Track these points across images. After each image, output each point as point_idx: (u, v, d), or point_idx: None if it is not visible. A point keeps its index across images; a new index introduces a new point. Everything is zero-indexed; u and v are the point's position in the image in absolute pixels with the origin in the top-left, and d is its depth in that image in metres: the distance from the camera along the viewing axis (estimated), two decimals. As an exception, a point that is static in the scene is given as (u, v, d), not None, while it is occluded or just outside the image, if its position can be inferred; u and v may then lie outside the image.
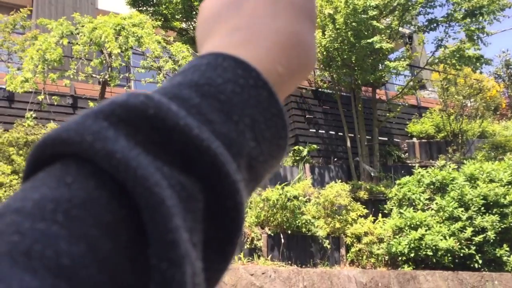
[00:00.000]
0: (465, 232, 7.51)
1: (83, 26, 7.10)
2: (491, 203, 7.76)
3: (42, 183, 0.25)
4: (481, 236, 7.49)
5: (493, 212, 7.70)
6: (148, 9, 10.10)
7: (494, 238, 7.49)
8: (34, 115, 7.35)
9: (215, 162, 0.28)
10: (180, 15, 10.06)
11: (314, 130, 11.36)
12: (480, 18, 10.11)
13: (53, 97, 7.43)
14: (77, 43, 7.12)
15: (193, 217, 0.27)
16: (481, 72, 12.50)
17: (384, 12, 10.25)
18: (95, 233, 0.23)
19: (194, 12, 10.05)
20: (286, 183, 8.57)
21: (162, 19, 10.02)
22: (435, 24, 10.64)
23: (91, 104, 8.34)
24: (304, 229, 7.91)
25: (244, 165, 0.32)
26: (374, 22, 9.34)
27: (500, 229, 7.56)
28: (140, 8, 10.03)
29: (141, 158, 0.26)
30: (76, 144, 0.26)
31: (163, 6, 9.95)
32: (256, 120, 0.33)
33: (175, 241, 0.24)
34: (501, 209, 7.73)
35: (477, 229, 7.60)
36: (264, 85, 0.33)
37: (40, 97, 7.06)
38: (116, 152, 0.25)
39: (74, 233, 0.23)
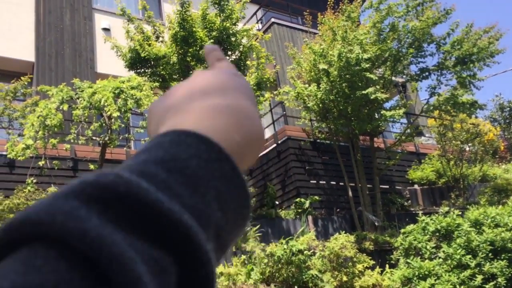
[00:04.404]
0: (475, 280, 7.35)
1: (82, 91, 7.24)
2: (499, 249, 7.63)
3: (10, 269, 0.24)
4: (492, 283, 7.32)
5: (502, 257, 7.56)
6: (146, 70, 10.33)
7: (505, 284, 7.32)
8: (34, 180, 7.36)
9: (187, 233, 0.29)
10: (177, 75, 10.28)
11: (315, 181, 11.34)
12: (471, 65, 10.35)
13: (53, 161, 7.47)
14: (77, 108, 7.24)
15: None
16: (476, 117, 12.65)
17: (376, 63, 10.50)
18: None
19: (190, 72, 10.28)
20: (290, 237, 8.46)
21: (160, 80, 10.24)
22: (427, 73, 10.86)
23: (91, 166, 8.37)
24: (310, 284, 7.73)
25: (212, 235, 0.33)
26: (368, 74, 9.55)
27: (510, 275, 7.40)
28: (138, 70, 10.27)
29: (115, 235, 0.26)
30: (46, 224, 0.25)
31: (161, 67, 10.19)
32: (221, 191, 0.34)
33: None
34: (509, 254, 7.59)
35: (487, 276, 7.44)
36: (226, 158, 0.35)
37: (41, 163, 7.09)
38: (90, 230, 0.25)
39: None
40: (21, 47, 11.78)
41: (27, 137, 6.68)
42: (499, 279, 7.31)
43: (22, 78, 8.78)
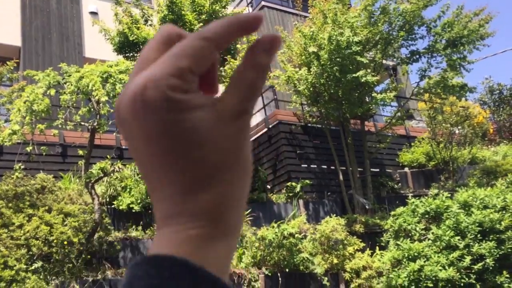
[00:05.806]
0: (463, 261, 7.43)
1: (70, 75, 7.13)
2: (487, 230, 7.71)
3: None
4: (480, 264, 7.41)
5: (490, 238, 7.64)
6: (135, 54, 10.20)
7: (493, 265, 7.41)
8: (22, 166, 7.28)
9: None
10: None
11: (306, 165, 11.36)
12: (461, 48, 10.34)
13: (41, 147, 7.39)
14: (64, 93, 7.14)
15: None
16: (466, 100, 12.70)
17: (367, 46, 10.45)
18: None
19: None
20: (281, 221, 8.49)
21: (149, 64, 10.11)
22: (417, 56, 10.84)
23: (80, 152, 8.30)
24: (302, 267, 7.79)
25: None
26: (358, 57, 9.50)
27: (498, 255, 7.48)
28: (126, 54, 10.14)
29: None
30: None
31: (150, 51, 10.06)
32: None
33: None
34: (498, 235, 7.68)
35: (475, 257, 7.52)
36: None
37: (29, 148, 7.01)
38: None
39: None
40: (7, 31, 11.58)
41: (13, 123, 6.59)
42: (487, 260, 7.40)
43: (8, 62, 8.64)
